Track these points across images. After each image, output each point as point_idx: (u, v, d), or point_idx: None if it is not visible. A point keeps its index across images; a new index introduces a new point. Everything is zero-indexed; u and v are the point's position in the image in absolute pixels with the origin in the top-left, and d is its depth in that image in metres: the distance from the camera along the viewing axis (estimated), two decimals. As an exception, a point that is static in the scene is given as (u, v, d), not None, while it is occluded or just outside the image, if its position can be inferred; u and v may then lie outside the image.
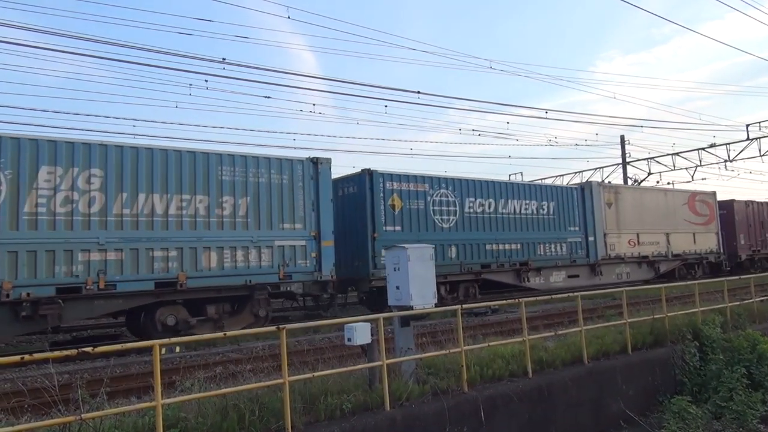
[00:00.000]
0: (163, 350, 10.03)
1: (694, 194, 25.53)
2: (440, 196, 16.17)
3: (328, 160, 13.87)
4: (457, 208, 16.49)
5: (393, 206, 15.11)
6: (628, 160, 33.40)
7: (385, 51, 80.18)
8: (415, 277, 6.66)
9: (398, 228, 15.12)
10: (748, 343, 9.80)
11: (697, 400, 8.57)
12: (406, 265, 6.66)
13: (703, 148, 29.93)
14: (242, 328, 11.59)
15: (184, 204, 11.61)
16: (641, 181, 32.60)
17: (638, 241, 21.86)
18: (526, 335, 7.59)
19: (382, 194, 14.92)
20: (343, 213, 15.56)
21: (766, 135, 27.54)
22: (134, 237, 11.01)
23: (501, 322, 12.56)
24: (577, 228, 19.79)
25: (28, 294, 9.88)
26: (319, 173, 13.60)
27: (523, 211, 18.14)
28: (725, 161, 29.46)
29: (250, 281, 12.15)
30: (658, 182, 32.52)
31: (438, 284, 15.57)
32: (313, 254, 13.21)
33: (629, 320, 9.27)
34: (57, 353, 4.91)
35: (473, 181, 17.21)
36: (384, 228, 14.84)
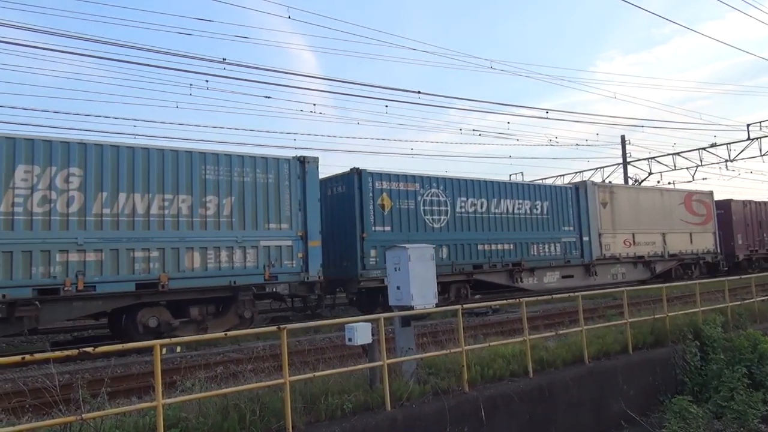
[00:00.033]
0: (164, 350, 10.29)
1: (690, 194, 26.32)
2: (431, 196, 16.57)
3: (316, 159, 14.16)
4: (449, 208, 16.90)
5: (382, 206, 15.48)
6: (628, 160, 34.48)
7: (386, 51, 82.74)
8: (415, 277, 7.00)
9: (387, 228, 15.49)
10: (749, 342, 10.32)
11: (698, 399, 9.03)
12: (406, 265, 7.00)
13: (703, 148, 31.00)
14: (227, 330, 11.88)
15: (166, 204, 11.85)
16: (642, 181, 33.62)
17: (634, 241, 22.49)
18: (526, 335, 7.98)
19: (371, 194, 15.27)
20: (332, 213, 15.91)
21: (766, 135, 28.63)
22: (114, 237, 11.23)
23: (502, 322, 12.99)
24: (571, 228, 20.32)
25: (4, 296, 10.04)
26: (306, 172, 13.91)
27: (516, 211, 18.63)
28: (726, 161, 30.56)
29: (235, 282, 12.44)
30: (658, 182, 33.67)
31: None
32: (300, 255, 13.52)
33: (630, 320, 9.73)
34: (58, 353, 5.15)
35: (465, 180, 17.62)
36: (373, 228, 15.21)
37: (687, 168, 32.17)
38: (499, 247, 17.89)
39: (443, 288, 16.43)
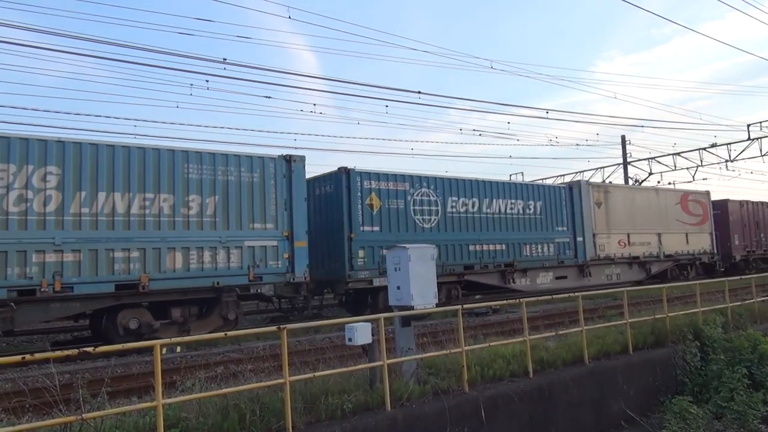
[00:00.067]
0: (164, 350, 10.56)
1: (687, 194, 27.12)
2: (421, 196, 16.99)
3: (302, 158, 14.48)
4: (439, 208, 17.34)
5: (371, 206, 15.86)
6: (629, 160, 35.59)
7: (386, 51, 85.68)
8: (415, 277, 7.35)
9: (376, 228, 15.86)
10: (749, 343, 10.85)
11: (698, 400, 9.51)
12: (407, 265, 7.34)
13: (704, 148, 32.08)
14: (210, 332, 12.23)
15: (147, 203, 12.09)
16: (642, 181, 34.61)
17: (629, 242, 23.16)
18: (527, 335, 8.38)
19: (359, 193, 15.67)
20: (320, 213, 16.28)
21: (766, 135, 29.67)
22: (93, 237, 11.44)
23: (502, 322, 13.45)
24: (565, 228, 20.89)
25: (-22, 296, 10.18)
26: (293, 171, 14.20)
27: (508, 211, 19.13)
28: (726, 161, 31.67)
29: (218, 283, 12.72)
30: (659, 182, 34.79)
31: None
32: (286, 255, 13.82)
33: (630, 320, 10.21)
34: (58, 353, 5.38)
35: (456, 180, 18.06)
36: (361, 228, 15.58)
37: (687, 168, 33.37)
38: (491, 247, 18.35)
39: (434, 289, 16.90)
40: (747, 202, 30.26)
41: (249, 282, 13.21)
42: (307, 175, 15.21)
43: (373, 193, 15.95)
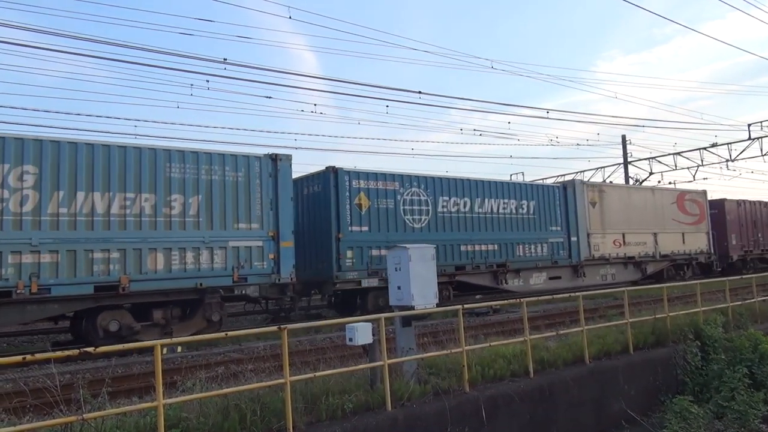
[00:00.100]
0: (165, 350, 10.76)
1: (683, 193, 27.83)
2: (411, 195, 17.35)
3: (289, 157, 14.74)
4: (430, 208, 17.72)
5: (360, 205, 16.19)
6: (629, 159, 36.55)
7: (387, 51, 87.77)
8: (416, 277, 7.69)
9: (365, 228, 16.19)
10: (750, 342, 11.35)
11: (698, 399, 9.94)
12: (407, 265, 7.68)
13: (704, 148, 32.98)
14: (193, 334, 12.37)
15: (128, 203, 12.29)
16: (643, 181, 35.46)
17: (624, 242, 23.69)
18: (527, 335, 8.76)
19: (348, 193, 15.99)
20: (308, 213, 16.60)
21: (767, 134, 30.45)
22: (71, 238, 11.61)
23: (502, 321, 13.86)
24: (558, 228, 21.40)
25: (-48, 298, 10.28)
26: (279, 170, 14.45)
27: (501, 211, 19.56)
28: (727, 161, 32.58)
29: (201, 284, 12.96)
30: (659, 182, 35.67)
31: None
32: (271, 255, 14.09)
33: (631, 320, 10.65)
34: (59, 353, 5.62)
35: (447, 179, 18.44)
36: (350, 228, 15.90)
37: (688, 168, 34.31)
38: (483, 247, 18.74)
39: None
40: (744, 201, 31.05)
41: (233, 283, 13.47)
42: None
43: (361, 193, 16.26)
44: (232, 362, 9.81)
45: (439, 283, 17.16)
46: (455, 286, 18.26)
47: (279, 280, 14.12)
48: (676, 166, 34.53)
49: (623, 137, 36.74)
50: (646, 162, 35.98)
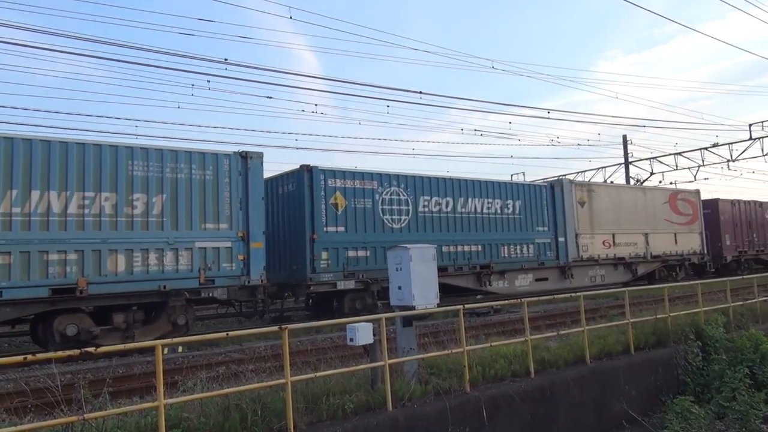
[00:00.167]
0: (166, 350, 10.43)
1: (675, 193, 26.84)
2: (391, 195, 16.52)
3: (260, 155, 13.96)
4: (410, 207, 16.86)
5: (336, 205, 15.37)
6: (630, 159, 35.96)
7: (387, 51, 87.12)
8: (417, 277, 7.47)
9: (341, 228, 15.39)
10: (751, 343, 11.02)
11: (699, 400, 9.66)
12: (408, 265, 7.46)
13: (705, 148, 32.30)
14: (158, 338, 11.69)
15: (86, 202, 11.54)
16: (643, 181, 34.93)
17: (614, 242, 22.70)
18: (528, 335, 8.51)
19: (323, 192, 15.18)
20: (282, 213, 15.86)
21: (768, 135, 29.80)
22: (25, 239, 10.84)
23: (503, 322, 13.60)
24: (545, 228, 20.41)
25: None
26: (249, 168, 13.63)
27: (485, 211, 18.66)
28: (728, 161, 31.88)
29: (165, 287, 12.16)
30: (660, 182, 35.06)
31: (387, 288, 16.21)
32: (241, 257, 13.28)
33: (632, 320, 10.37)
34: (60, 353, 5.47)
35: (428, 178, 17.51)
36: (325, 229, 15.08)
37: (689, 168, 33.62)
38: (466, 248, 17.83)
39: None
40: (738, 201, 30.06)
41: (200, 285, 12.64)
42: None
43: (338, 192, 15.44)
44: (233, 362, 9.62)
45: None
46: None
47: (249, 282, 13.28)
48: (677, 167, 33.92)
49: (624, 137, 36.19)
50: (647, 162, 35.41)
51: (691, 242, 26.34)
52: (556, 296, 11.14)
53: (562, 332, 9.82)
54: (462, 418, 7.09)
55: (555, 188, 21.17)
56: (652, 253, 24.20)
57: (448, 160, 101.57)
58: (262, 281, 13.55)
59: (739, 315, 12.88)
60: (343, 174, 15.71)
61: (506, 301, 9.58)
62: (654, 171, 35.10)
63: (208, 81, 19.03)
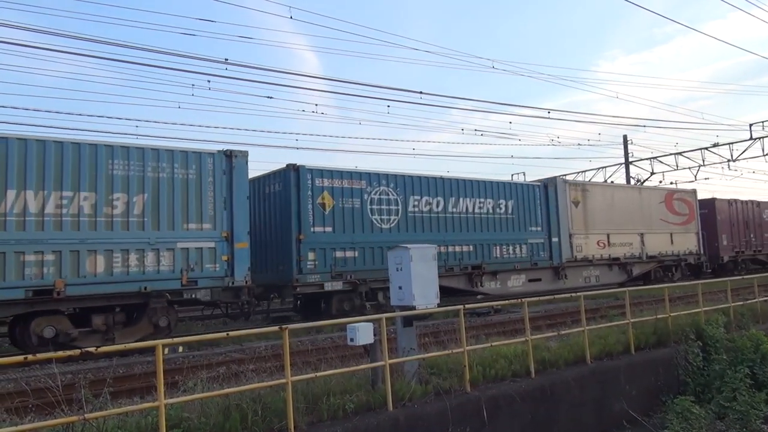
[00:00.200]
0: (166, 350, 10.42)
1: (671, 192, 26.35)
2: (380, 194, 16.13)
3: (245, 154, 13.64)
4: (400, 207, 16.48)
5: (323, 205, 15.02)
6: (630, 159, 35.71)
7: (388, 51, 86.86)
8: (417, 277, 7.37)
9: (329, 229, 15.05)
10: (752, 343, 10.89)
11: (700, 400, 9.53)
12: (408, 265, 7.37)
13: (706, 148, 32.04)
14: (138, 340, 11.51)
15: (64, 202, 11.21)
16: (644, 181, 34.71)
17: (608, 242, 22.20)
18: (528, 335, 8.41)
19: (310, 192, 14.83)
20: (268, 213, 15.59)
21: (768, 134, 29.52)
22: (0, 239, 10.58)
23: (504, 322, 13.49)
24: (539, 228, 19.95)
25: None
26: (234, 168, 13.31)
27: (476, 211, 18.22)
28: (728, 161, 31.59)
29: (146, 288, 11.85)
30: (660, 182, 34.81)
31: (376, 289, 16.03)
32: (225, 257, 12.95)
33: (632, 320, 10.24)
34: (60, 353, 5.44)
35: (419, 177, 17.15)
36: (312, 229, 14.74)
37: (689, 168, 33.35)
38: (457, 249, 17.46)
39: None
40: (736, 200, 29.62)
41: (182, 286, 12.30)
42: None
43: (325, 192, 15.07)
44: (234, 362, 9.54)
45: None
46: None
47: (233, 283, 12.94)
48: (677, 166, 33.67)
49: (624, 137, 35.95)
50: (648, 162, 35.19)
51: (687, 242, 25.89)
52: (556, 296, 11.01)
53: (563, 332, 9.71)
54: (462, 418, 7.00)
55: (548, 188, 20.73)
56: (647, 254, 23.76)
57: (449, 160, 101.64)
58: (246, 282, 13.20)
59: (740, 315, 12.73)
60: (331, 173, 15.37)
61: (507, 301, 9.48)
62: (654, 171, 34.94)
63: (209, 81, 18.27)
